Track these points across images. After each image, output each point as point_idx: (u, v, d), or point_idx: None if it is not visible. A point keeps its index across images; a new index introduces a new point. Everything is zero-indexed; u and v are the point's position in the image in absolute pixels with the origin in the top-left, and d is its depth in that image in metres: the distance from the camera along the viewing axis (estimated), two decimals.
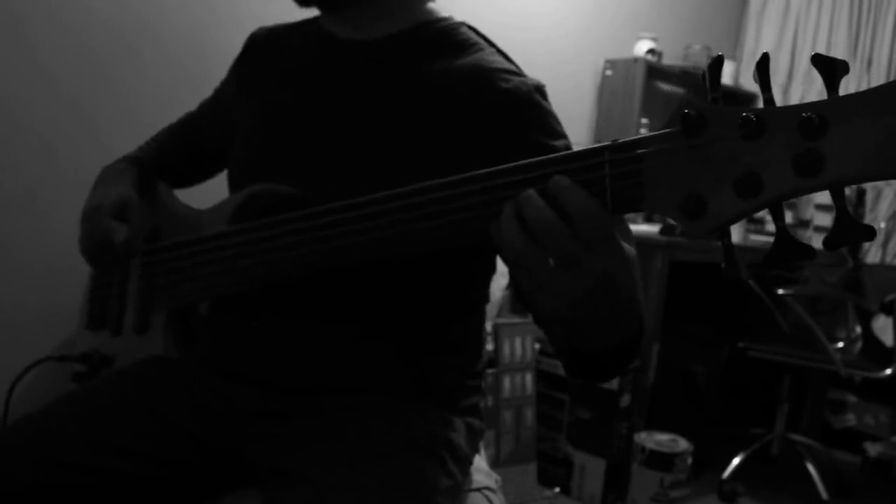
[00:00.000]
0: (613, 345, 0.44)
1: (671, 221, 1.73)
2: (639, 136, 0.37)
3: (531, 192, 0.38)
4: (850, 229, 0.32)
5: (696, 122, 0.34)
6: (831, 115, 0.31)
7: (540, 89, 0.58)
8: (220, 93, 0.75)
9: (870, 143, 0.30)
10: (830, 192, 0.32)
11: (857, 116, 0.31)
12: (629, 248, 0.40)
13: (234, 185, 0.65)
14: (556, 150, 0.54)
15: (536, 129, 0.56)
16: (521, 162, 0.40)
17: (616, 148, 0.37)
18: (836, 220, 0.32)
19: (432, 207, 0.43)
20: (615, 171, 0.37)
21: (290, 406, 0.59)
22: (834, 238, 0.32)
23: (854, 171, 0.31)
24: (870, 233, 0.32)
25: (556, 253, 0.37)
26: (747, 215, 0.34)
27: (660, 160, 0.36)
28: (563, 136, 0.57)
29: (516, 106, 0.56)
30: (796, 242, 0.33)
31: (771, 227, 2.08)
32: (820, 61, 0.31)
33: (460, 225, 0.42)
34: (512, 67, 0.59)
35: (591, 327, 0.42)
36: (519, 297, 0.51)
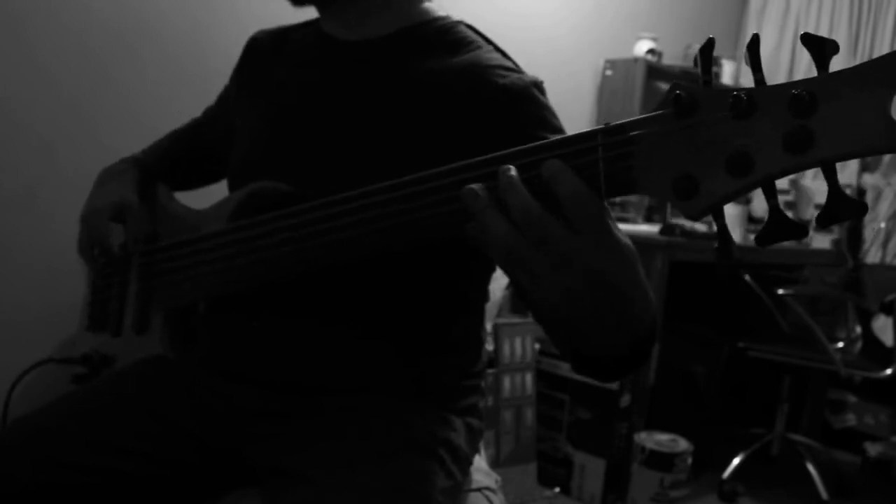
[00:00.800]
0: (615, 346, 0.43)
1: (672, 221, 1.73)
2: (630, 119, 0.37)
3: (515, 179, 0.37)
4: (842, 205, 0.32)
5: (687, 104, 0.34)
6: (821, 91, 0.31)
7: (537, 85, 0.57)
8: (222, 98, 0.76)
9: (860, 119, 0.30)
10: (822, 169, 0.32)
11: (846, 93, 0.31)
12: (627, 244, 0.39)
13: (233, 186, 0.65)
14: None
15: (534, 125, 0.55)
16: (513, 149, 0.40)
17: (608, 131, 0.37)
18: (829, 197, 0.32)
19: (430, 197, 0.43)
20: (608, 155, 0.37)
21: (289, 406, 0.59)
22: (826, 214, 0.32)
23: (844, 147, 0.31)
24: (861, 208, 0.32)
25: (543, 247, 0.36)
26: (740, 194, 0.34)
27: (652, 142, 0.36)
28: (560, 130, 0.56)
29: (513, 102, 0.55)
30: (789, 221, 0.33)
31: None
32: (809, 41, 0.32)
33: (457, 214, 0.41)
34: (509, 64, 0.59)
35: (590, 326, 0.41)
36: (519, 294, 0.50)
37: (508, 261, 0.38)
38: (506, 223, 0.37)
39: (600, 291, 0.37)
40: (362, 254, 0.47)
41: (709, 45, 0.35)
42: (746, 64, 0.34)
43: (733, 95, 0.33)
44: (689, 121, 0.35)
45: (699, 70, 0.35)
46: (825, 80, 0.31)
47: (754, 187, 0.34)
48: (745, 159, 0.33)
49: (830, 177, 0.32)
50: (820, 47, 0.31)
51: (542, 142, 0.39)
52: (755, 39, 0.33)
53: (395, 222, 0.45)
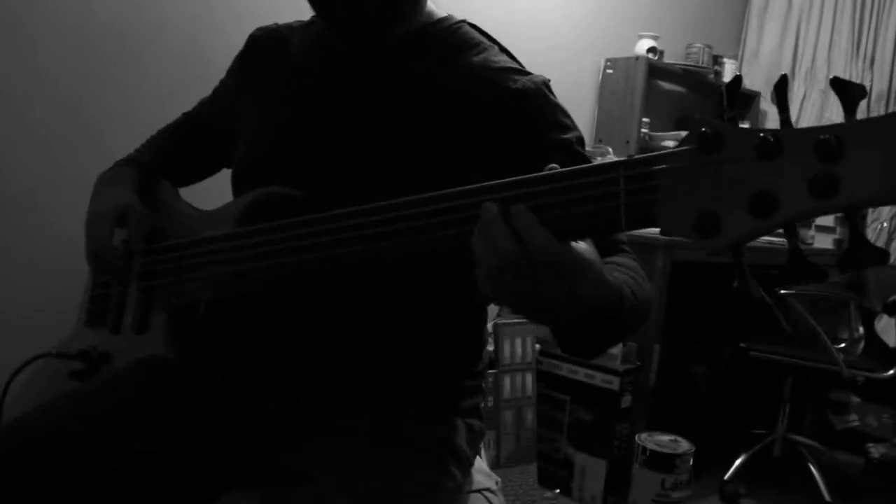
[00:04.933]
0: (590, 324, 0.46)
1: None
2: (654, 153, 0.37)
3: (496, 219, 0.39)
4: (865, 251, 0.32)
5: (713, 141, 0.34)
6: (849, 138, 0.31)
7: (546, 85, 0.58)
8: (219, 93, 0.75)
9: (886, 167, 0.31)
10: (845, 214, 0.33)
11: (874, 141, 0.31)
12: (586, 258, 0.41)
13: (238, 187, 0.64)
14: (568, 143, 0.56)
15: (548, 126, 0.56)
16: (535, 174, 0.40)
17: (631, 164, 0.37)
18: (851, 242, 0.32)
19: (439, 218, 0.44)
20: (629, 187, 0.37)
21: (290, 404, 0.59)
22: (848, 259, 0.33)
23: (869, 195, 0.31)
24: (883, 256, 0.32)
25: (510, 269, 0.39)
26: (761, 235, 0.35)
27: (675, 177, 0.36)
28: (573, 128, 0.57)
29: (527, 104, 0.56)
30: (808, 264, 0.34)
31: None
32: (838, 85, 0.32)
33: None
34: (517, 66, 0.60)
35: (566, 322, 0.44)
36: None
37: (499, 278, 0.41)
38: (513, 243, 0.39)
39: (573, 307, 0.41)
40: (372, 268, 0.48)
41: (735, 83, 0.35)
42: (773, 102, 0.35)
43: (760, 136, 0.33)
44: (713, 158, 0.35)
45: (724, 105, 0.35)
46: (853, 127, 0.31)
47: (777, 228, 0.34)
48: (770, 200, 0.33)
49: (853, 223, 0.32)
50: (847, 92, 0.32)
51: (562, 170, 0.40)
52: (783, 81, 0.33)
53: (411, 239, 0.45)
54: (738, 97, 0.35)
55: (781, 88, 0.33)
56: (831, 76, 0.32)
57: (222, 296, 0.59)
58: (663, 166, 0.36)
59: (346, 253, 0.48)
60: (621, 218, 0.37)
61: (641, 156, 0.37)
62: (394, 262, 0.47)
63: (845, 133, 0.31)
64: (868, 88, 2.23)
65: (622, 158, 0.38)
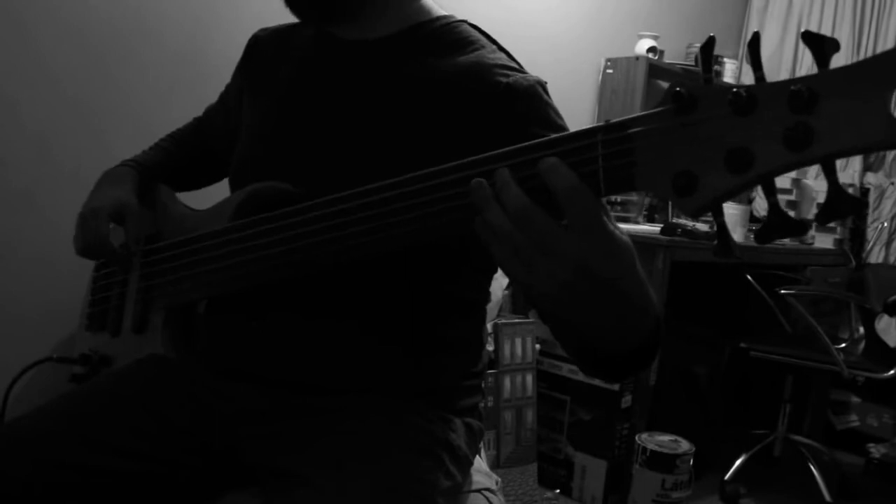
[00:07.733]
0: (620, 341, 0.44)
1: (673, 220, 1.72)
2: (630, 116, 0.37)
3: (507, 177, 0.38)
4: (842, 202, 0.32)
5: (687, 100, 0.34)
6: (821, 88, 0.31)
7: (541, 84, 0.58)
8: (225, 97, 0.76)
9: (860, 115, 0.30)
10: (821, 165, 0.32)
11: (846, 89, 0.31)
12: (622, 239, 0.39)
13: (235, 185, 0.65)
14: None
15: (536, 123, 0.55)
16: (514, 147, 0.40)
17: (608, 128, 0.37)
18: (828, 194, 0.32)
19: (425, 196, 0.43)
20: (607, 151, 0.37)
21: (289, 406, 0.59)
22: (826, 211, 0.32)
23: (844, 143, 0.31)
24: (860, 205, 0.32)
25: (536, 239, 0.37)
26: (739, 191, 0.34)
27: (651, 139, 0.36)
28: (564, 129, 0.57)
29: (516, 100, 0.56)
30: (788, 218, 0.33)
31: None
32: (810, 38, 0.32)
33: (455, 212, 0.42)
34: (512, 64, 0.60)
35: (589, 320, 0.41)
36: (524, 293, 0.51)
37: (506, 254, 0.38)
38: (505, 216, 0.37)
39: (592, 284, 0.38)
40: (368, 252, 0.47)
41: (709, 43, 0.35)
42: (747, 62, 0.35)
43: (733, 92, 0.33)
44: (688, 117, 0.35)
45: (700, 67, 0.35)
46: (825, 77, 0.31)
47: (754, 184, 0.34)
48: (746, 155, 0.33)
49: (830, 174, 0.32)
50: (820, 45, 0.32)
51: (542, 139, 0.39)
52: (756, 38, 0.33)
53: (399, 220, 0.45)
54: (713, 58, 0.35)
55: (754, 45, 0.33)
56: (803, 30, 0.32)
57: (215, 294, 0.59)
58: (640, 129, 0.36)
59: (342, 237, 0.48)
60: (600, 183, 0.37)
61: (619, 119, 0.37)
62: (396, 241, 0.46)
63: (818, 83, 0.31)
64: None
65: (599, 124, 0.37)
